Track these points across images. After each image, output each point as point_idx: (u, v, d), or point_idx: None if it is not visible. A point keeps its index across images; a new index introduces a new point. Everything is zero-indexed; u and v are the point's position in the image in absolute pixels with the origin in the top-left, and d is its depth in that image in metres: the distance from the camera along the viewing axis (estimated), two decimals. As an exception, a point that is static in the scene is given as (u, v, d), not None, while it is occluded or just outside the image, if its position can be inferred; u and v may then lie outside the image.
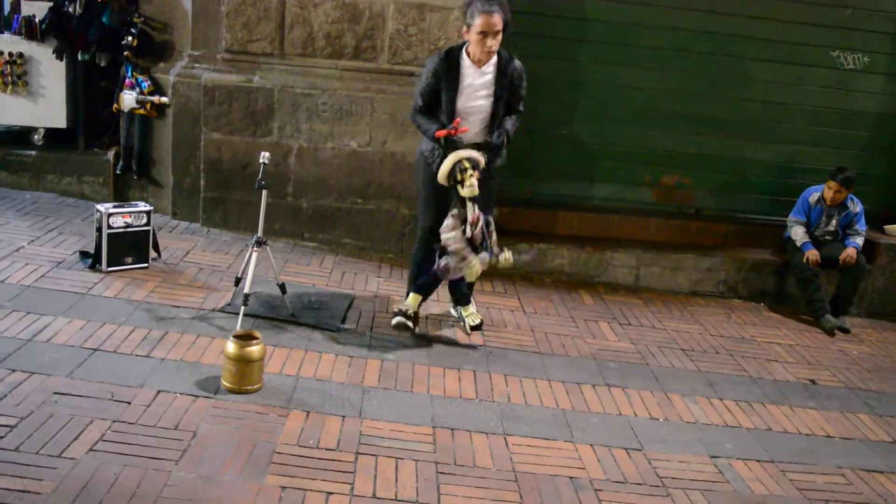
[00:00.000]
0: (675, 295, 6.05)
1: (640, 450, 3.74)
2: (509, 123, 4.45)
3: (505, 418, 3.84)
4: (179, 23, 5.97)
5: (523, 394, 4.12)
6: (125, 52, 5.88)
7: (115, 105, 6.05)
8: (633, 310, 5.60)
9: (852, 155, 6.48)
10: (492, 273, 5.77)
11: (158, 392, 3.58)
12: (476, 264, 4.27)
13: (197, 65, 5.84)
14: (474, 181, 4.14)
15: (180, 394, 3.60)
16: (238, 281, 4.49)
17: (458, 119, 4.29)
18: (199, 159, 5.80)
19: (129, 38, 5.81)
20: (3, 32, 6.23)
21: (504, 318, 5.11)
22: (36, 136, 6.30)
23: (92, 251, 4.91)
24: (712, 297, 6.12)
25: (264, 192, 4.33)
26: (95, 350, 3.87)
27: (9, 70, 6.04)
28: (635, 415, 4.08)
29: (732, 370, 4.83)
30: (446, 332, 4.74)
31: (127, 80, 5.96)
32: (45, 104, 6.16)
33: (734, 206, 6.65)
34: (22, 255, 4.89)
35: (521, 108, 4.53)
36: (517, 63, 4.43)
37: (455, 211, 4.29)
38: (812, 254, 5.85)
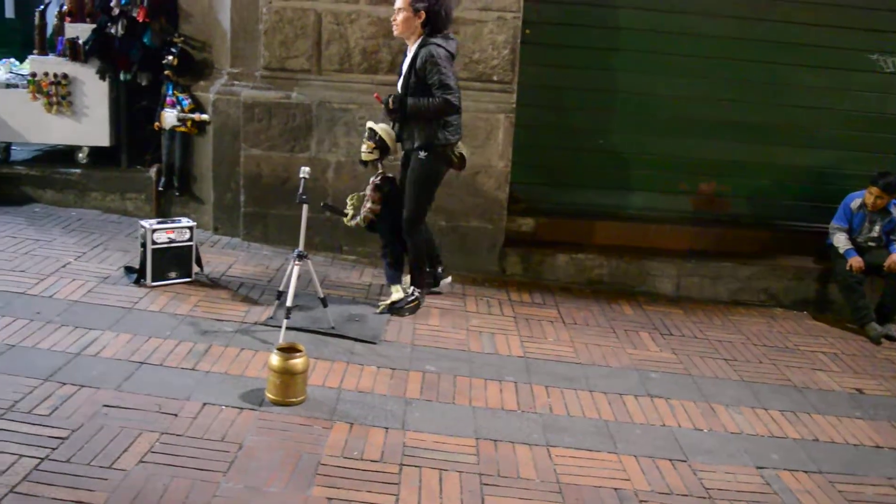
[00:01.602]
0: (715, 304, 5.99)
1: (684, 461, 3.70)
2: (411, 100, 4.71)
3: (547, 429, 3.83)
4: (218, 41, 6.08)
5: (565, 405, 4.11)
6: (166, 72, 6.02)
7: (156, 123, 6.18)
8: (673, 320, 5.55)
9: (893, 159, 6.37)
10: (531, 285, 5.84)
11: (204, 405, 3.63)
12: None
13: (236, 82, 5.93)
14: (363, 147, 4.92)
15: (226, 406, 3.65)
16: (280, 295, 4.53)
17: (376, 93, 5.04)
18: (239, 175, 5.89)
19: (170, 58, 5.95)
20: (48, 54, 6.42)
21: (544, 328, 5.10)
22: (80, 155, 6.45)
23: (137, 266, 5.01)
24: (754, 306, 6.04)
25: (305, 207, 4.38)
26: (142, 363, 3.95)
27: (54, 91, 6.20)
28: (679, 425, 4.04)
29: (776, 380, 4.76)
30: (486, 343, 4.75)
31: (168, 99, 6.09)
32: (88, 123, 6.31)
33: (774, 213, 6.58)
34: (69, 271, 5.00)
35: (442, 95, 4.63)
36: (427, 48, 4.65)
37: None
38: (855, 261, 5.75)
